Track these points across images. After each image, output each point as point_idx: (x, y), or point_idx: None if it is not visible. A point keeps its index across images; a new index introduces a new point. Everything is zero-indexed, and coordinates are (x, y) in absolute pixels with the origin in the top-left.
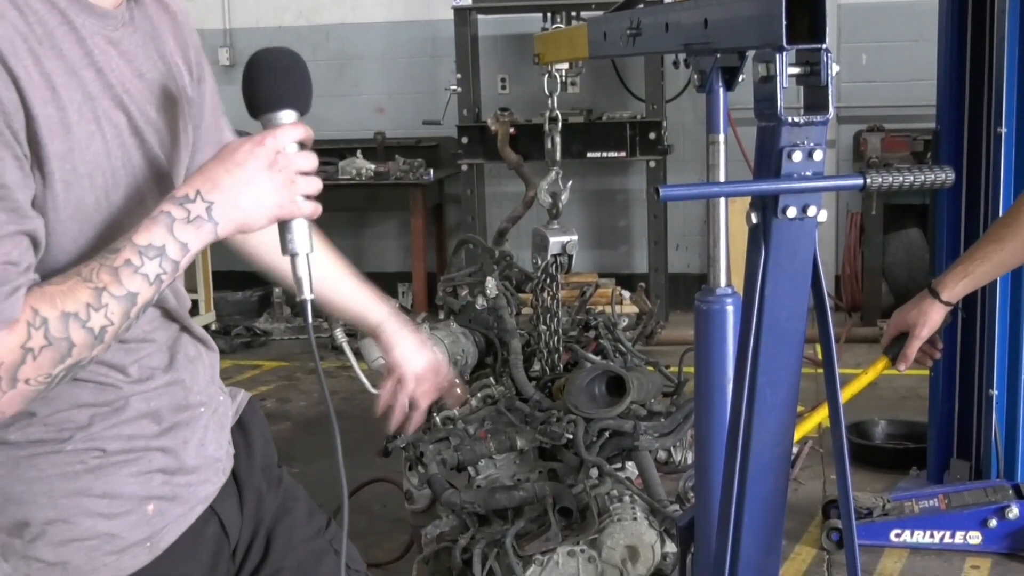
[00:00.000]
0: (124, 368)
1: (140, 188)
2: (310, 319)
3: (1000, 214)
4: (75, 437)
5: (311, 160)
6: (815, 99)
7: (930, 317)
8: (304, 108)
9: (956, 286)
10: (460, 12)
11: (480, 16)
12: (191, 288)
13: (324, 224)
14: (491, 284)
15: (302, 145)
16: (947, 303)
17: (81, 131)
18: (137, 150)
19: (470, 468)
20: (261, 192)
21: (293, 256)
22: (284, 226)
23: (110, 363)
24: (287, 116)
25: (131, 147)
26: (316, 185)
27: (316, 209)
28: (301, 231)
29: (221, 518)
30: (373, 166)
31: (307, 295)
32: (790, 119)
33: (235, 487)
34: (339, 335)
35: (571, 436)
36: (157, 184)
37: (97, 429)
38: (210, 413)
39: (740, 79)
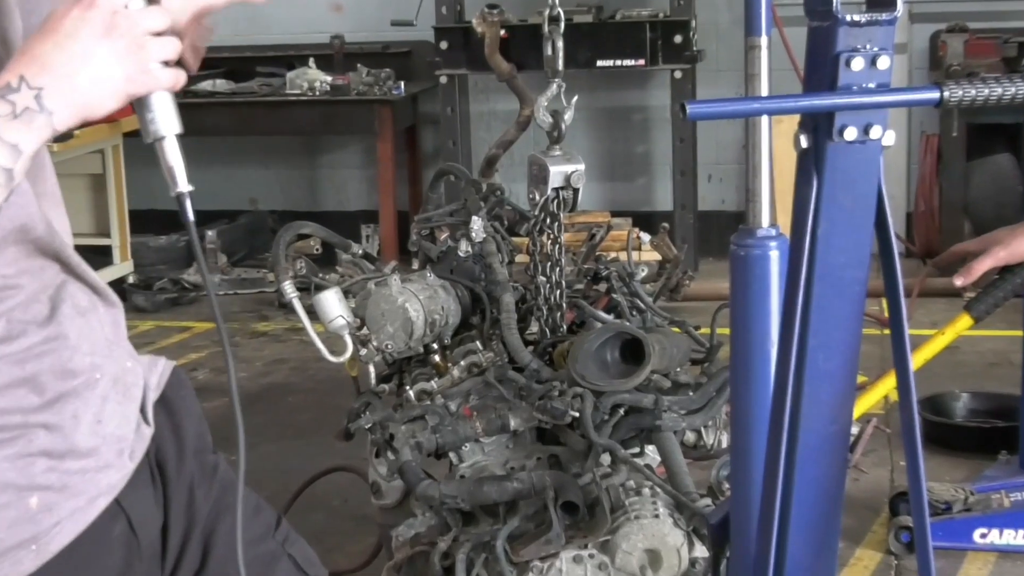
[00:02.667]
0: None
1: None
2: (190, 216)
3: None
4: None
5: (161, 16)
6: None
7: (1019, 244)
8: None
9: None
10: None
11: None
12: (102, 231)
13: (270, 151)
14: (477, 225)
15: (148, 0)
16: None
17: None
18: None
19: (452, 454)
20: (101, 65)
21: (159, 140)
22: (141, 104)
23: None
24: None
25: None
26: (172, 47)
27: (178, 77)
28: (164, 108)
29: (130, 515)
30: (329, 78)
31: (183, 187)
32: (849, 17)
33: (152, 476)
34: (288, 288)
35: (577, 414)
36: None
37: None
38: (110, 381)
39: None
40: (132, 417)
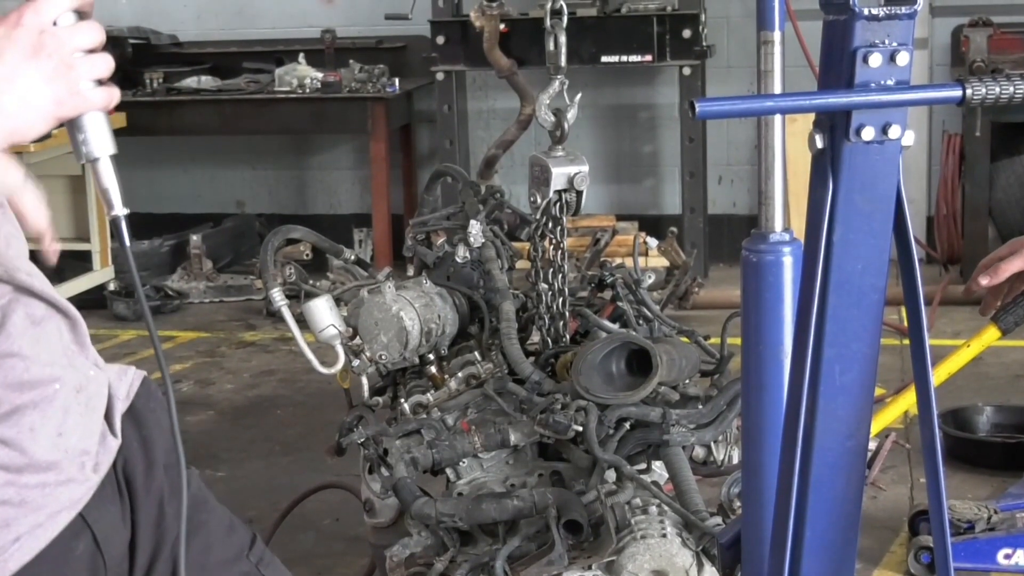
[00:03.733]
0: None
1: None
2: (127, 241)
3: None
4: None
5: (92, 33)
6: None
7: None
8: None
9: None
10: None
11: None
12: (81, 235)
13: (258, 151)
14: (476, 229)
15: (80, 15)
16: None
17: None
18: None
19: (449, 470)
20: (29, 88)
21: (92, 162)
22: (73, 125)
23: None
24: None
25: None
26: (105, 65)
27: (111, 96)
28: (96, 128)
29: (94, 530)
30: (320, 75)
31: (119, 210)
32: (866, 11)
33: (119, 490)
34: (277, 296)
35: (580, 428)
36: None
37: None
38: (71, 391)
39: None
40: (96, 428)
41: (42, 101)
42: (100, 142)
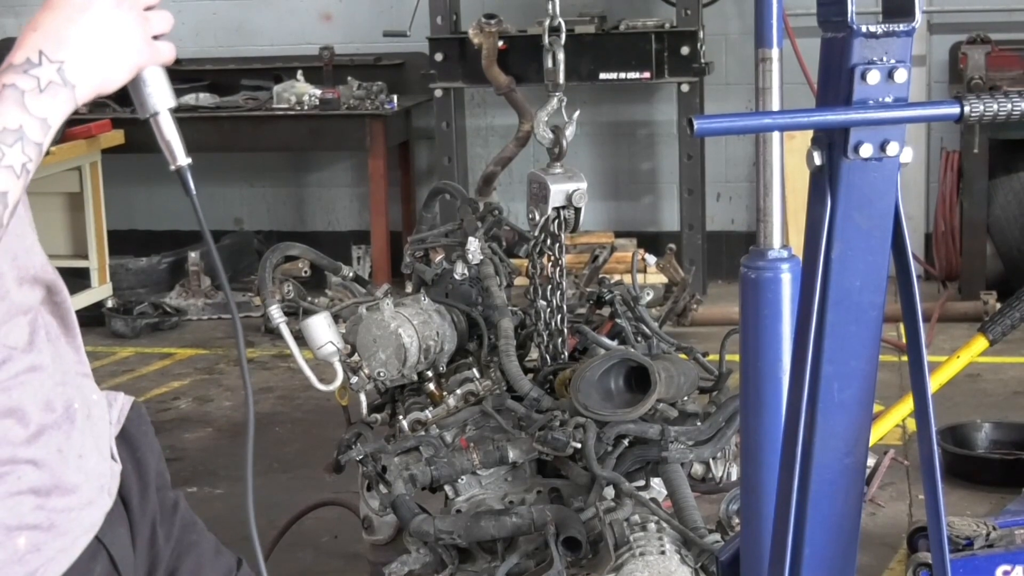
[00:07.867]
0: None
1: None
2: (192, 189)
3: None
4: None
5: None
6: (897, 1)
7: None
8: None
9: None
10: None
11: None
12: (79, 252)
13: (256, 168)
14: (474, 246)
15: None
16: None
17: None
18: None
19: (447, 487)
20: (115, 38)
21: (155, 115)
22: (138, 79)
23: None
24: None
25: None
26: (167, 20)
27: (173, 51)
28: (158, 81)
29: (111, 552)
30: (318, 92)
31: (182, 160)
32: (864, 28)
33: (124, 514)
34: (275, 313)
35: (579, 445)
36: None
37: None
38: (84, 414)
39: None
40: (106, 452)
41: (127, 51)
42: (162, 95)
